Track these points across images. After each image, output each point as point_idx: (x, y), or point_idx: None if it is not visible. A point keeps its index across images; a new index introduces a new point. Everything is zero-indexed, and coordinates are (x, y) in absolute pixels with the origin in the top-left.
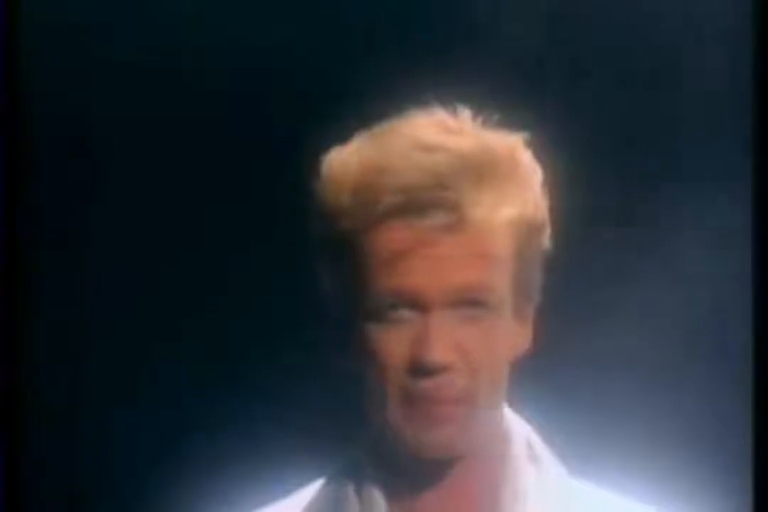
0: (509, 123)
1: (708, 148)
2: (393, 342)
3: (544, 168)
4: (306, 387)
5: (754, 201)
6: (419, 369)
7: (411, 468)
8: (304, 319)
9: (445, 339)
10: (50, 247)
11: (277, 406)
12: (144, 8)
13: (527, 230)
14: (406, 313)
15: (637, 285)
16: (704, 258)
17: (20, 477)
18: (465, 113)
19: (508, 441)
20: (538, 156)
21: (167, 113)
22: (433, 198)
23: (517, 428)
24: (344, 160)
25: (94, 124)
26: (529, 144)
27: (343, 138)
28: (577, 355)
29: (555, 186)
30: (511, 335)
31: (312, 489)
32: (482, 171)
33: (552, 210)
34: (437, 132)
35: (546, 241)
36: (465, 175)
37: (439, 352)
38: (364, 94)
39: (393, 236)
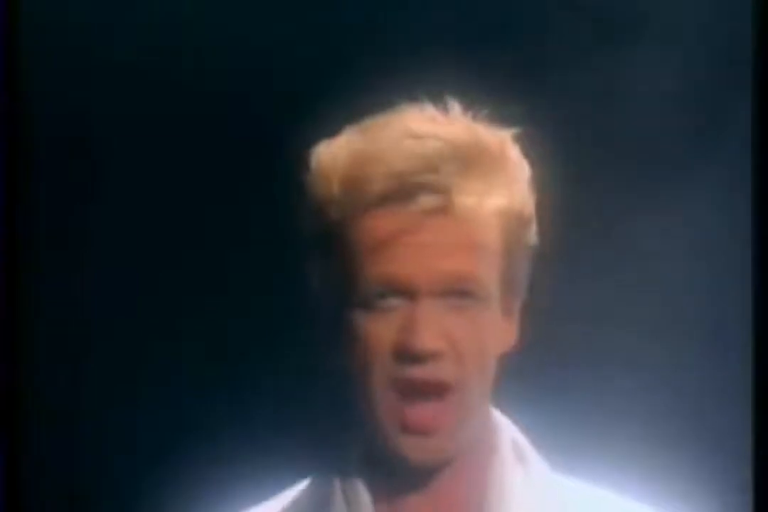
0: (499, 118)
1: (707, 148)
2: (381, 330)
3: (532, 164)
4: (304, 387)
5: (754, 200)
6: (407, 356)
7: (398, 470)
8: (304, 319)
9: (433, 327)
10: (50, 247)
11: (276, 406)
12: (144, 8)
13: (515, 224)
14: (394, 301)
15: (633, 284)
16: (703, 257)
17: (20, 477)
18: (455, 108)
19: (494, 443)
20: (527, 152)
21: (167, 113)
22: (421, 181)
23: (504, 429)
24: (333, 153)
25: (94, 124)
26: (518, 139)
27: (334, 134)
28: (574, 355)
29: (548, 182)
30: (498, 329)
31: (298, 490)
32: (472, 160)
33: (543, 206)
34: (428, 122)
35: (533, 237)
36: (454, 161)
37: (427, 339)
38: (355, 90)
39: (380, 222)
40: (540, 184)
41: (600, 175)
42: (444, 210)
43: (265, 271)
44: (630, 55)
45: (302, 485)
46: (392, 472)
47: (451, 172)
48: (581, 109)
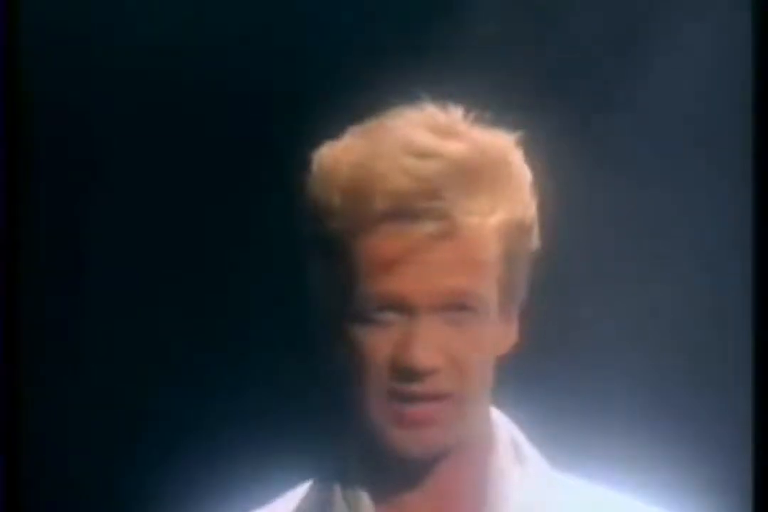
0: (502, 121)
1: (708, 150)
2: (379, 345)
3: (535, 168)
4: (304, 387)
5: (754, 200)
6: (405, 373)
7: (397, 469)
8: (304, 319)
9: (432, 343)
10: (50, 248)
11: (276, 407)
12: (144, 8)
13: (517, 233)
14: (392, 316)
15: (635, 284)
16: (703, 258)
17: (20, 477)
18: (456, 111)
19: (492, 441)
20: (529, 155)
21: (167, 113)
22: (425, 206)
23: (502, 427)
24: (335, 159)
25: (94, 124)
26: (521, 143)
27: (335, 135)
28: (576, 354)
29: (548, 186)
30: (496, 335)
31: (299, 491)
32: (475, 178)
33: (545, 209)
34: (429, 134)
35: (534, 242)
36: (457, 182)
37: (425, 357)
38: (357, 91)
39: (383, 242)
40: (542, 188)
41: (600, 176)
42: (447, 233)
43: (265, 271)
44: (634, 60)
45: (303, 487)
46: (391, 469)
47: (454, 194)
48: (583, 113)
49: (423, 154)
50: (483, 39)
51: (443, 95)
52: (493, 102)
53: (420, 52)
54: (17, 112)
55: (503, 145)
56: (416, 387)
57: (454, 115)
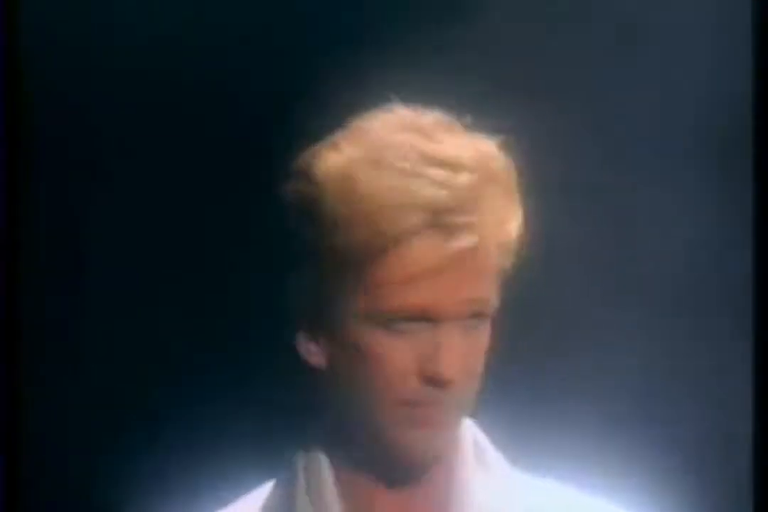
0: (499, 122)
1: (706, 150)
2: (401, 353)
3: (529, 169)
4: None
5: (754, 200)
6: (433, 382)
7: (368, 469)
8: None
9: (455, 352)
10: (50, 248)
11: (270, 407)
12: (144, 8)
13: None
14: (415, 325)
15: (634, 284)
16: (703, 258)
17: (20, 477)
18: (449, 116)
19: (457, 445)
20: (523, 157)
21: (167, 113)
22: (458, 222)
23: (466, 430)
24: (340, 170)
25: (94, 124)
26: (504, 147)
27: (321, 136)
28: (574, 355)
29: (547, 186)
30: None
31: (265, 490)
32: (495, 187)
33: (543, 211)
34: (427, 139)
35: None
36: (483, 192)
37: (451, 366)
38: (356, 90)
39: (413, 255)
40: (540, 188)
41: (600, 176)
42: (477, 245)
43: (265, 271)
44: (633, 59)
45: (270, 484)
46: (360, 469)
47: (481, 207)
48: (582, 113)
49: (444, 163)
50: (482, 39)
51: (442, 95)
52: (492, 102)
53: (421, 52)
54: (17, 112)
55: (496, 149)
56: (439, 395)
57: (447, 117)
